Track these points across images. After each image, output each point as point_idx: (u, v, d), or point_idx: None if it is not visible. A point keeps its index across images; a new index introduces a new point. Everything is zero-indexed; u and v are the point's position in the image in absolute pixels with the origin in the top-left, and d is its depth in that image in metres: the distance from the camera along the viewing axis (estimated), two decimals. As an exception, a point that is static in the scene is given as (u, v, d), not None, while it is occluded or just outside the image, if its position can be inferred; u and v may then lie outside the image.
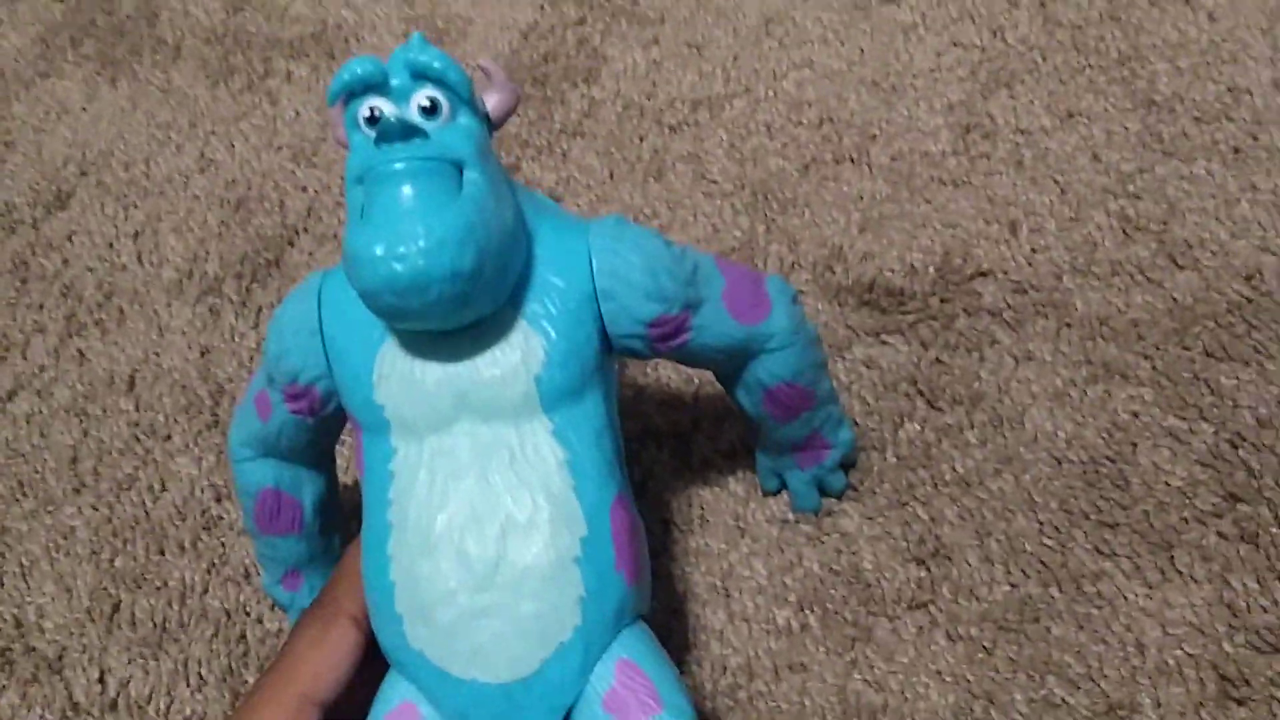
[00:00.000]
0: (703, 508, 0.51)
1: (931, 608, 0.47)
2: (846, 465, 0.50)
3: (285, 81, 0.75)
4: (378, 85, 0.36)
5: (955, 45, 0.67)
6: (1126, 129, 0.61)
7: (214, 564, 0.55)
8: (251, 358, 0.61)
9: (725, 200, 0.62)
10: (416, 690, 0.36)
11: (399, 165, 0.34)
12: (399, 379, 0.37)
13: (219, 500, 0.57)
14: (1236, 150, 0.58)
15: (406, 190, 0.34)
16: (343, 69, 0.36)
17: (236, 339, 0.63)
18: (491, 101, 0.39)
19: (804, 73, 0.68)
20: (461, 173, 0.35)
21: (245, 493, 0.45)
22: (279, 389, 0.41)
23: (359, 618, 0.39)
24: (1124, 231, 0.56)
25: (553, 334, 0.37)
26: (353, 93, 0.36)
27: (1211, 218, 0.56)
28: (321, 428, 0.43)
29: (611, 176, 0.65)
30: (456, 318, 0.35)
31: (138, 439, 0.60)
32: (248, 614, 0.53)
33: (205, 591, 0.54)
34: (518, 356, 0.37)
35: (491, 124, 0.39)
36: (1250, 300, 0.52)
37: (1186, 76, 0.62)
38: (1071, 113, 0.62)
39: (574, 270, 0.38)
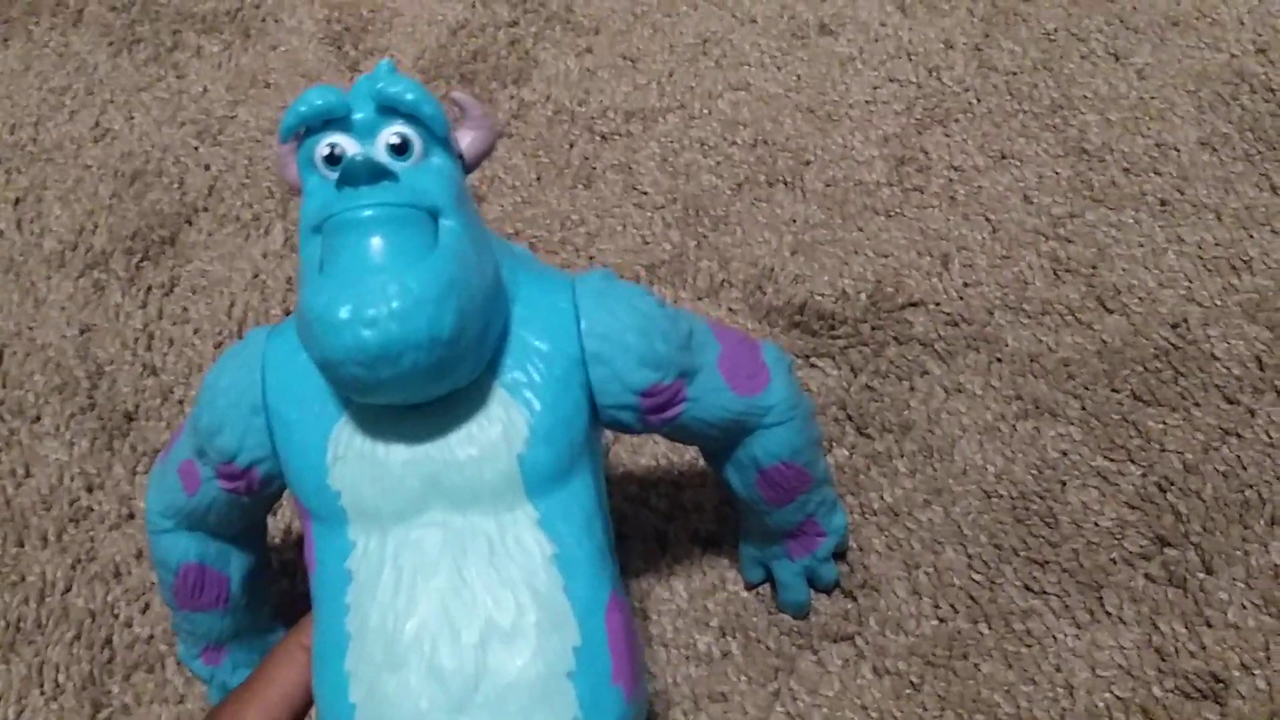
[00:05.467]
0: (623, 522, 0.49)
1: (858, 640, 0.45)
2: (838, 554, 0.46)
3: (195, 56, 0.71)
4: (339, 119, 0.32)
5: (891, 80, 0.67)
6: (1057, 174, 0.61)
7: (80, 560, 0.50)
8: (137, 340, 0.57)
9: (656, 213, 0.60)
10: None
11: (366, 212, 0.30)
12: (358, 460, 0.32)
13: (90, 490, 0.52)
14: (1164, 203, 0.59)
15: (376, 241, 0.29)
16: (298, 100, 0.31)
17: (122, 318, 0.58)
18: (466, 140, 0.35)
19: (740, 94, 0.67)
20: (436, 221, 0.31)
21: (164, 566, 0.39)
22: (211, 465, 0.35)
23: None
24: (1054, 272, 0.56)
25: (537, 405, 0.32)
26: (309, 128, 0.32)
27: (1140, 265, 0.56)
28: (259, 504, 0.38)
29: (539, 180, 0.63)
30: (430, 390, 0.30)
31: (2, 418, 0.54)
32: (115, 616, 0.48)
33: (68, 589, 0.49)
34: (498, 432, 0.32)
35: (466, 165, 0.35)
36: (1177, 348, 0.52)
37: (1116, 129, 0.63)
38: (1004, 154, 0.62)
39: (559, 332, 0.33)
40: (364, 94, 0.32)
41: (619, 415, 0.35)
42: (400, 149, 0.32)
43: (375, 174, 0.30)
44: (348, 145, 0.32)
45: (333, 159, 0.31)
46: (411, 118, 0.32)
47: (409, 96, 0.31)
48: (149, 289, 0.59)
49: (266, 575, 0.43)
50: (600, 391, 0.34)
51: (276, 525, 0.50)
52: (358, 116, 0.32)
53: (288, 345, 0.34)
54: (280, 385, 0.34)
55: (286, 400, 0.33)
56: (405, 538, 0.32)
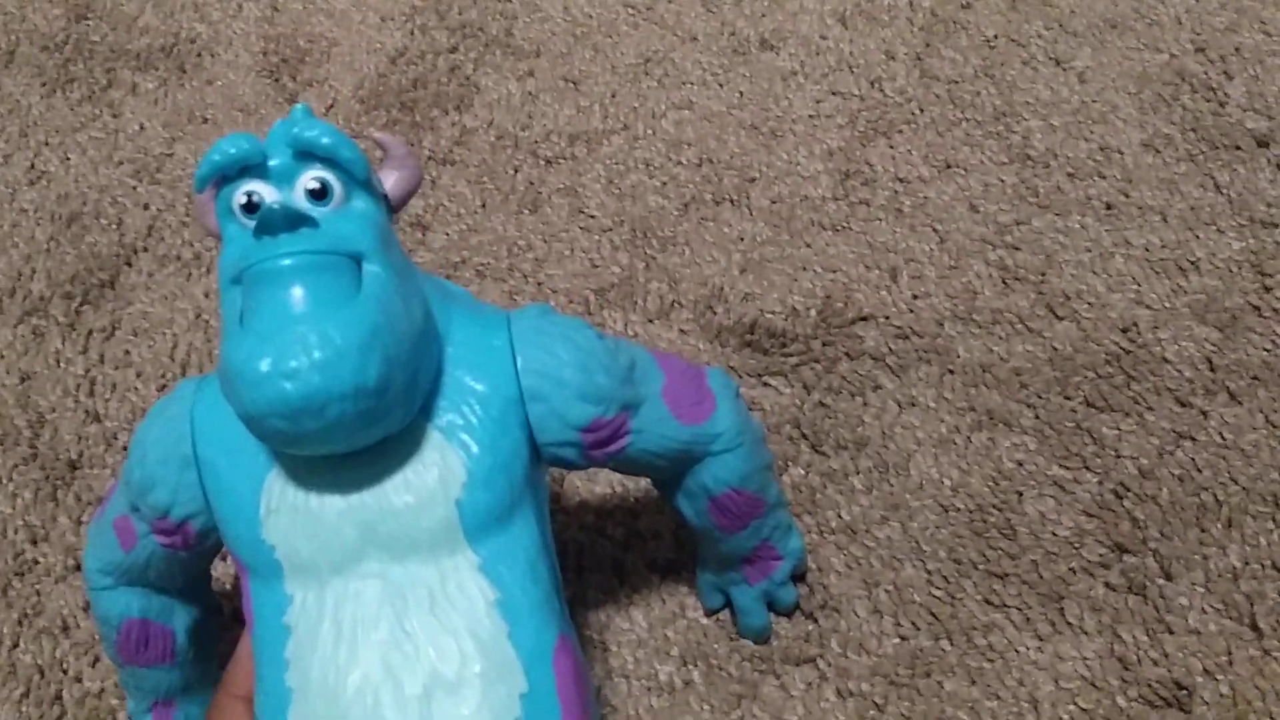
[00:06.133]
0: (579, 553, 0.48)
1: (820, 662, 0.44)
2: (796, 576, 0.45)
3: (130, 94, 0.70)
4: (255, 167, 0.31)
5: (834, 94, 0.67)
6: (1003, 181, 0.61)
7: (26, 614, 0.49)
8: (79, 386, 0.56)
9: (604, 235, 0.60)
10: None
11: (285, 261, 0.29)
12: (291, 512, 0.31)
13: (34, 542, 0.51)
14: (1109, 206, 0.59)
15: (296, 291, 0.29)
16: (212, 149, 0.31)
17: (62, 365, 0.57)
18: (390, 180, 0.34)
19: (683, 113, 0.66)
20: (360, 266, 0.30)
21: (106, 623, 0.38)
22: (146, 520, 0.35)
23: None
24: (1003, 281, 0.56)
25: (474, 448, 0.32)
26: (225, 176, 0.31)
27: (1088, 270, 0.56)
28: (199, 558, 0.37)
29: (484, 206, 0.62)
30: (359, 440, 0.30)
31: (-60, 473, 0.53)
32: (64, 671, 0.47)
33: (15, 645, 0.48)
34: (434, 478, 0.31)
35: (391, 206, 0.34)
36: (1128, 352, 0.52)
37: (1060, 134, 0.63)
38: (949, 164, 0.62)
39: (495, 371, 0.33)
40: (280, 139, 0.31)
41: (561, 452, 0.34)
42: (319, 194, 0.31)
43: (293, 221, 0.29)
44: (265, 192, 0.31)
45: (250, 207, 0.31)
46: (330, 161, 0.31)
47: (325, 140, 0.31)
48: (89, 333, 0.58)
49: (214, 626, 0.42)
50: (540, 429, 0.33)
51: (227, 571, 0.49)
52: (274, 163, 0.31)
53: (216, 396, 0.33)
54: (210, 438, 0.33)
55: (217, 453, 0.33)
56: (344, 590, 0.31)
